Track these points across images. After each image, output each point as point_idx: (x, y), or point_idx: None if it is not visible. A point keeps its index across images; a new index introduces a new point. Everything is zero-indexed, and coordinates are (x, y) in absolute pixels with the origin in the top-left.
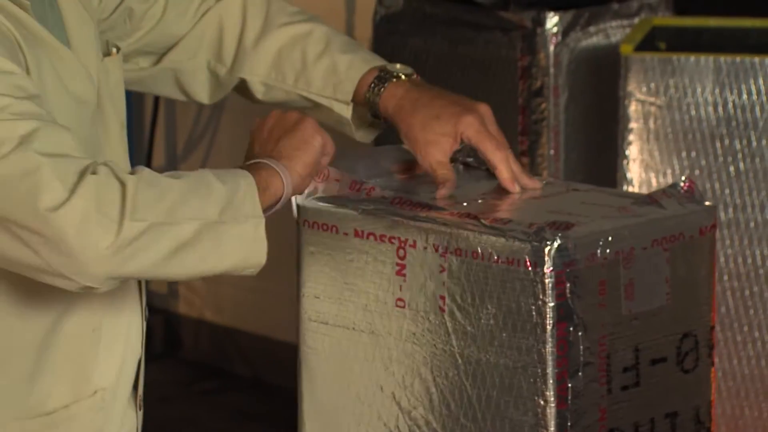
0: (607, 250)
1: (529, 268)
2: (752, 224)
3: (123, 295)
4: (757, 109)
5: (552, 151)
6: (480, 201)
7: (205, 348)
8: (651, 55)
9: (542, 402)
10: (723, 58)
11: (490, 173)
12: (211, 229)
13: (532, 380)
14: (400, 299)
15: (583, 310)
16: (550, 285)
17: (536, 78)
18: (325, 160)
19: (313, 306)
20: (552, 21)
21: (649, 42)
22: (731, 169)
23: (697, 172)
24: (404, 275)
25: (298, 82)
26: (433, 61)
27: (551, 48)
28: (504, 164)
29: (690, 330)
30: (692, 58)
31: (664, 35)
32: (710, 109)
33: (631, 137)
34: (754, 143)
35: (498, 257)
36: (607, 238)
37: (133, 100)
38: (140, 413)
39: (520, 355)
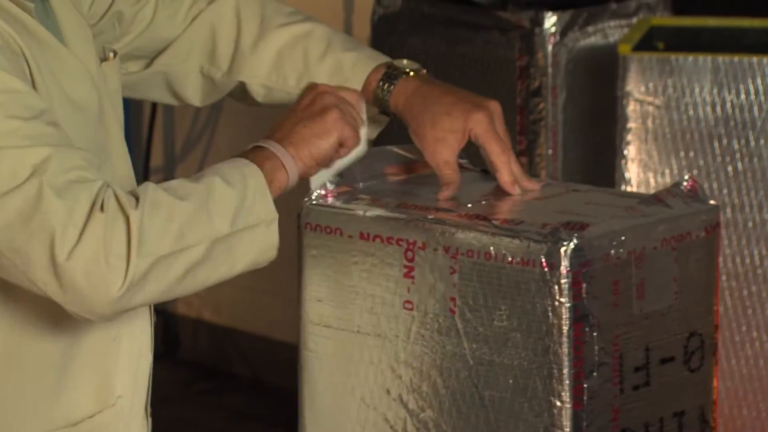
0: (621, 250)
1: (545, 269)
2: (750, 224)
3: None
4: (755, 108)
5: (550, 151)
6: (484, 202)
7: (203, 348)
8: (649, 55)
9: (558, 403)
10: (721, 58)
11: (486, 174)
12: (222, 243)
13: (547, 381)
14: (408, 301)
15: (598, 310)
16: (566, 285)
17: (534, 78)
18: (344, 151)
19: (316, 309)
20: (550, 21)
21: (647, 42)
22: (729, 169)
23: (695, 171)
24: (413, 277)
25: (301, 82)
26: (431, 61)
27: (549, 48)
28: (506, 167)
29: (696, 329)
30: (690, 58)
31: (663, 35)
32: (708, 109)
33: (630, 137)
34: (753, 143)
35: (512, 258)
36: (620, 237)
37: (131, 101)
38: (149, 420)
39: (535, 356)
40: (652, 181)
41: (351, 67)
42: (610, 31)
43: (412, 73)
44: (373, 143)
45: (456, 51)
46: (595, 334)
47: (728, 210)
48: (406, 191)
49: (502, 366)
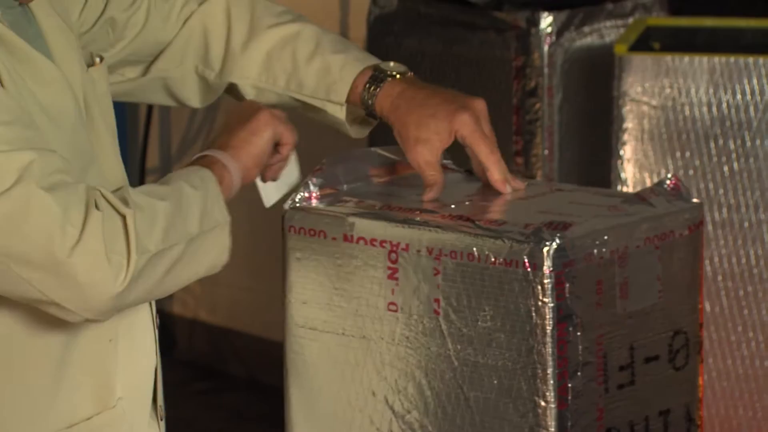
0: (603, 249)
1: (528, 269)
2: (746, 224)
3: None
4: (751, 109)
5: (546, 152)
6: (468, 203)
7: (199, 348)
8: (645, 55)
9: (543, 403)
10: (717, 59)
11: (469, 175)
12: (193, 243)
13: (531, 381)
14: (392, 303)
15: (582, 309)
16: (549, 286)
17: (530, 78)
18: (285, 149)
19: (301, 312)
20: (546, 21)
21: (643, 42)
22: (725, 169)
23: (691, 172)
24: (396, 279)
25: (290, 83)
26: (427, 61)
27: (545, 48)
28: (496, 166)
29: (680, 327)
30: (686, 58)
31: (659, 35)
32: (704, 109)
33: (626, 137)
34: (748, 143)
35: (495, 259)
36: (603, 237)
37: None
38: (162, 423)
39: (519, 356)
40: (648, 181)
41: (339, 70)
42: (606, 32)
43: (398, 76)
44: (367, 144)
45: (452, 51)
46: (578, 333)
47: (724, 210)
48: (390, 193)
49: (487, 367)
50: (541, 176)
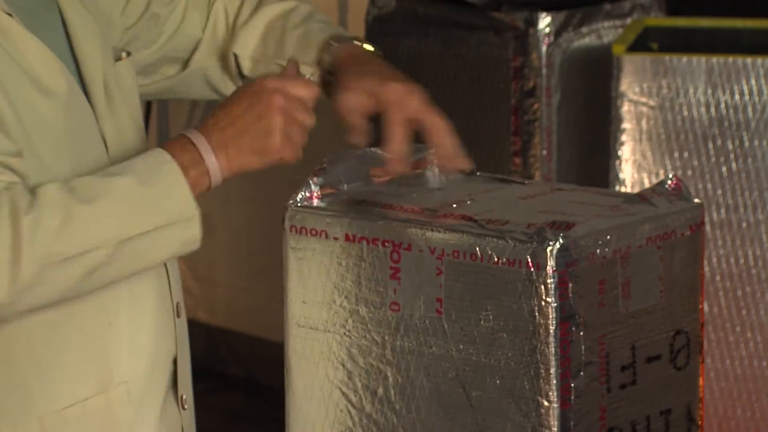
0: (606, 249)
1: (531, 269)
2: (744, 225)
3: (142, 291)
4: (750, 109)
5: (544, 152)
6: (470, 203)
7: (198, 349)
8: (643, 55)
9: (545, 403)
10: (715, 59)
11: (470, 175)
12: (130, 244)
13: (534, 381)
14: (394, 303)
15: (585, 309)
16: (552, 285)
17: (529, 78)
18: (282, 161)
19: (301, 311)
20: (544, 21)
21: (641, 42)
22: (723, 169)
23: (689, 172)
24: (398, 279)
25: (277, 51)
26: (425, 62)
27: (543, 48)
28: (399, 141)
29: (682, 327)
30: (684, 58)
31: (657, 36)
32: (702, 109)
33: (624, 138)
34: (747, 144)
35: (498, 259)
36: (606, 237)
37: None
38: (186, 413)
39: (522, 356)
40: (646, 181)
41: (315, 35)
42: (605, 32)
43: (364, 46)
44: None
45: (450, 51)
46: (581, 333)
47: (722, 210)
48: (391, 192)
49: (489, 366)
50: (540, 176)
